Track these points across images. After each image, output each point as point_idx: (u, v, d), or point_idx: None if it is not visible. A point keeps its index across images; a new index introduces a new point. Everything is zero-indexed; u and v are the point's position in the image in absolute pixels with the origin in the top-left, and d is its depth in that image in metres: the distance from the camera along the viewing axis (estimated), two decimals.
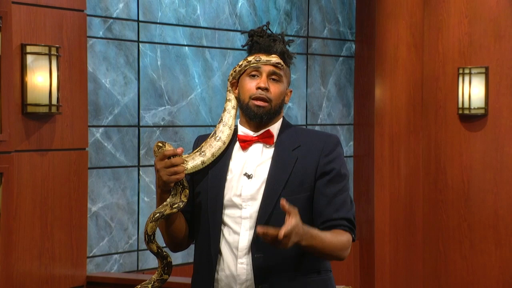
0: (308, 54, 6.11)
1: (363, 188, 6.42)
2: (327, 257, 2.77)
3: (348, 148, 6.41)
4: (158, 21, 5.10)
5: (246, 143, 2.83)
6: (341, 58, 6.36)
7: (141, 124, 5.02)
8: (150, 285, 2.79)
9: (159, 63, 5.10)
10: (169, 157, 2.71)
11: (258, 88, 2.80)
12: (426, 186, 6.50)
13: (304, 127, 5.90)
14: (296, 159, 2.79)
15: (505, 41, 6.22)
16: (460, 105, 6.32)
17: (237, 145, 2.86)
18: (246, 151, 2.84)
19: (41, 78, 4.32)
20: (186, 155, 2.81)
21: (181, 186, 2.75)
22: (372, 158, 6.36)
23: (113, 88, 4.87)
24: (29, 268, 4.35)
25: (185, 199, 2.75)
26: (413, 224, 6.48)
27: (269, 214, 2.73)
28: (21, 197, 4.30)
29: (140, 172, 5.01)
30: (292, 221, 2.56)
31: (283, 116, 2.89)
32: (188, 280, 3.35)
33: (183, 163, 2.73)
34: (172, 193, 2.76)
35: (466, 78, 6.28)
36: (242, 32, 3.71)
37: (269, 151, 2.82)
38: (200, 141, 2.91)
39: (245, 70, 2.84)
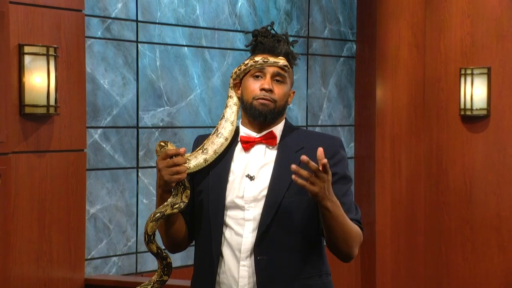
0: (309, 55, 6.08)
1: (364, 189, 6.39)
2: (342, 239, 2.67)
3: (349, 149, 6.39)
4: (157, 21, 5.08)
5: (248, 144, 2.80)
6: (342, 59, 6.34)
7: (140, 125, 5.00)
8: (150, 286, 2.78)
9: (158, 63, 5.08)
10: (171, 157, 2.68)
11: (262, 89, 2.77)
12: (427, 188, 6.47)
13: (305, 128, 5.87)
14: (300, 161, 2.75)
15: (507, 41, 6.18)
16: (462, 106, 6.29)
17: (239, 146, 2.83)
18: (248, 152, 2.81)
19: (39, 79, 4.30)
20: (188, 154, 2.79)
21: (182, 187, 2.73)
22: (373, 159, 6.33)
23: (112, 89, 4.85)
24: (27, 271, 4.32)
25: (186, 200, 2.73)
26: (415, 226, 6.46)
27: (272, 216, 2.71)
28: (19, 199, 4.28)
29: (139, 174, 4.99)
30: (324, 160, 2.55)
31: (285, 118, 2.86)
32: (187, 282, 3.32)
33: (185, 162, 2.71)
34: (173, 193, 2.74)
35: (468, 79, 6.25)
36: (246, 33, 3.67)
37: (272, 153, 2.80)
38: (200, 141, 2.88)
39: (249, 70, 2.80)
